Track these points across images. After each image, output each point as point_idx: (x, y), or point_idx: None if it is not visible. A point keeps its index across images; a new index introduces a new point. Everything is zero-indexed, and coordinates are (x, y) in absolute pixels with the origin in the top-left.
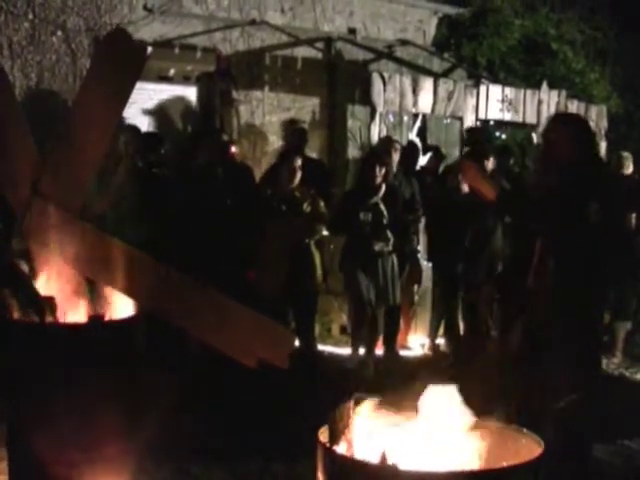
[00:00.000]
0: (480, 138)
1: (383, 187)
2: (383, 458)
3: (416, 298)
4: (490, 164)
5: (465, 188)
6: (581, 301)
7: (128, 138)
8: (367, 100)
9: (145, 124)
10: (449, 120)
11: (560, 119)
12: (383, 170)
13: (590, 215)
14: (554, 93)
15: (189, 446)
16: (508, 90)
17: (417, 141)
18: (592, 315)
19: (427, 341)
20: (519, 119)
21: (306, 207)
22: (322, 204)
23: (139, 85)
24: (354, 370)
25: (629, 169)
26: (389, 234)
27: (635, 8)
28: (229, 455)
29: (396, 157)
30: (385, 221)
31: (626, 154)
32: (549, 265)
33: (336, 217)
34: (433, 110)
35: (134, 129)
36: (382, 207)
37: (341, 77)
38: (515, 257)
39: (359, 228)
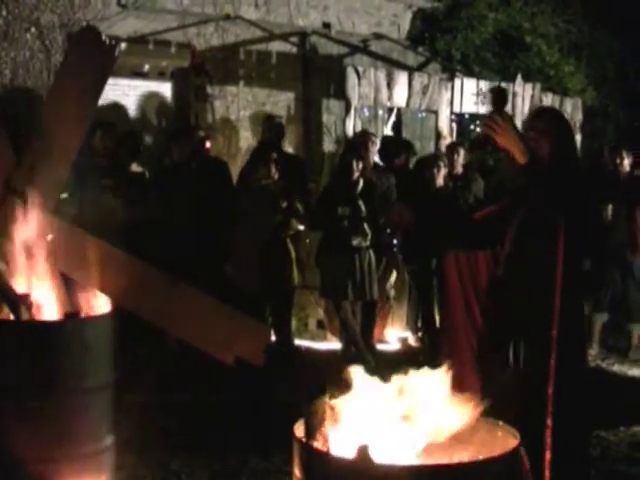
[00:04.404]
0: (504, 99)
1: (361, 182)
2: (359, 452)
3: (392, 292)
4: (461, 158)
5: (440, 181)
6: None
7: (104, 135)
8: (342, 94)
9: (119, 120)
10: (424, 114)
11: (539, 114)
12: (361, 165)
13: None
14: (528, 86)
15: (168, 442)
16: (483, 83)
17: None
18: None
19: (409, 335)
20: None
21: (282, 202)
22: (297, 199)
23: (113, 81)
24: (331, 364)
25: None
26: (367, 229)
27: (606, 1)
28: (208, 451)
29: (373, 150)
30: (363, 215)
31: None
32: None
33: (316, 213)
34: (408, 104)
35: (109, 126)
36: (360, 202)
37: (316, 71)
38: None
39: (337, 223)
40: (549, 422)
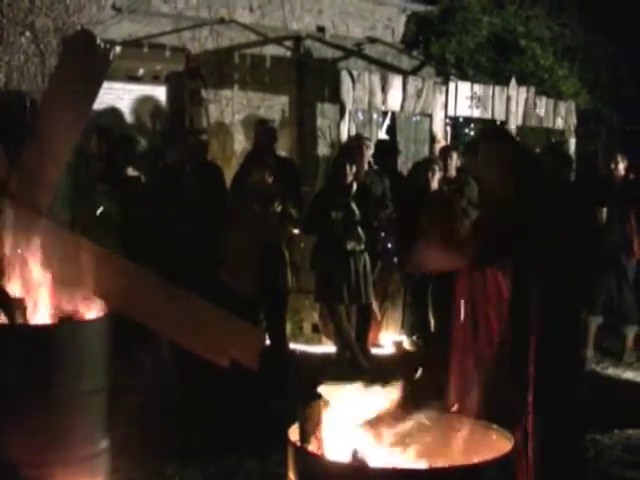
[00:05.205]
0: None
1: (354, 185)
2: (353, 456)
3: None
4: (454, 161)
5: (434, 185)
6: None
7: (100, 139)
8: (336, 98)
9: (114, 124)
10: (418, 117)
11: (480, 139)
12: (354, 168)
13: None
14: (522, 89)
15: (162, 446)
16: (477, 87)
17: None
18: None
19: (404, 339)
20: (488, 116)
21: (276, 206)
22: (291, 204)
23: (108, 85)
24: (326, 368)
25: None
26: (361, 232)
27: (601, 4)
28: (202, 454)
29: (368, 154)
30: (357, 219)
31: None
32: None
33: (310, 217)
34: (402, 108)
35: (106, 130)
36: (353, 206)
37: (310, 75)
38: None
39: (331, 227)
40: (529, 429)
